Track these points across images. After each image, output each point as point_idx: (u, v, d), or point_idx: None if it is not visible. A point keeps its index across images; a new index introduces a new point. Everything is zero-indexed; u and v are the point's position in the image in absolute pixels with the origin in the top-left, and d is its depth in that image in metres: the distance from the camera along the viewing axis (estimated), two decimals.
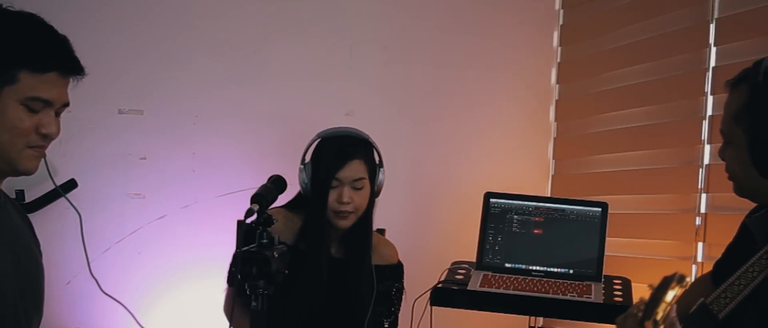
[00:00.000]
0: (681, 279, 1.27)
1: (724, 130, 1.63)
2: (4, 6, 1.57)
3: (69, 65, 1.57)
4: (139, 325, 2.06)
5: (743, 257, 1.57)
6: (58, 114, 1.60)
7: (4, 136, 1.53)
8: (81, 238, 1.85)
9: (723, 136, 1.65)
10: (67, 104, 1.60)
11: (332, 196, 2.19)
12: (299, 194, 2.30)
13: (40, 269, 1.72)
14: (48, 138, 1.58)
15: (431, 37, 3.24)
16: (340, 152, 2.20)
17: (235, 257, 2.18)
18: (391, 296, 2.31)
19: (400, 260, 2.38)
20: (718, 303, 1.49)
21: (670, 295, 1.27)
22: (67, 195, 1.81)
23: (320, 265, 2.22)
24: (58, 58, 1.56)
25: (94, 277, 1.86)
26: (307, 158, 2.26)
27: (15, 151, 1.54)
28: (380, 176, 2.26)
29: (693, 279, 1.30)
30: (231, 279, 2.20)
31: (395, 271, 2.34)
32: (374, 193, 2.26)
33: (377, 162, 2.27)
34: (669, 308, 1.27)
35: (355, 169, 2.19)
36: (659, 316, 1.27)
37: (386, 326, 2.29)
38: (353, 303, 2.25)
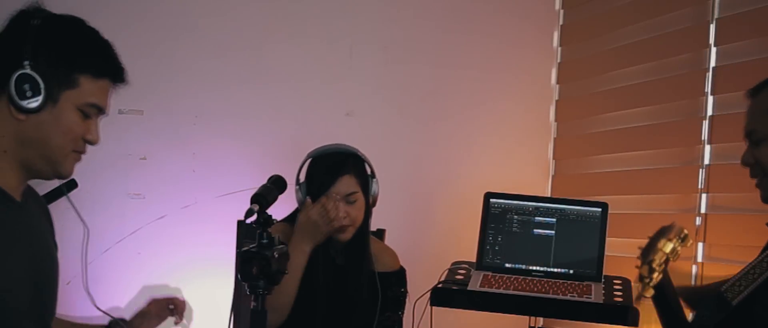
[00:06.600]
0: (680, 232, 1.26)
1: (756, 128, 1.64)
2: (47, 10, 1.57)
3: (119, 72, 1.61)
4: None
5: None
6: None
7: (57, 140, 1.55)
8: (84, 250, 1.82)
9: (753, 137, 1.66)
10: (105, 113, 1.63)
11: None
12: (297, 208, 2.32)
13: (56, 266, 1.71)
14: (89, 144, 1.60)
15: (431, 37, 3.24)
16: (330, 170, 2.25)
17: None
18: (399, 301, 2.36)
19: (402, 265, 2.41)
20: (732, 291, 1.54)
21: (669, 246, 1.26)
22: (74, 204, 1.77)
23: (318, 271, 2.25)
24: (112, 63, 1.59)
25: (89, 293, 1.84)
26: (302, 178, 2.29)
27: (63, 154, 1.56)
28: (374, 187, 2.31)
29: (692, 240, 1.30)
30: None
31: (399, 276, 2.38)
32: (369, 204, 2.31)
33: (369, 173, 2.31)
34: (666, 258, 1.26)
35: (346, 184, 2.24)
36: (655, 263, 1.26)
37: None
38: (354, 310, 2.28)
